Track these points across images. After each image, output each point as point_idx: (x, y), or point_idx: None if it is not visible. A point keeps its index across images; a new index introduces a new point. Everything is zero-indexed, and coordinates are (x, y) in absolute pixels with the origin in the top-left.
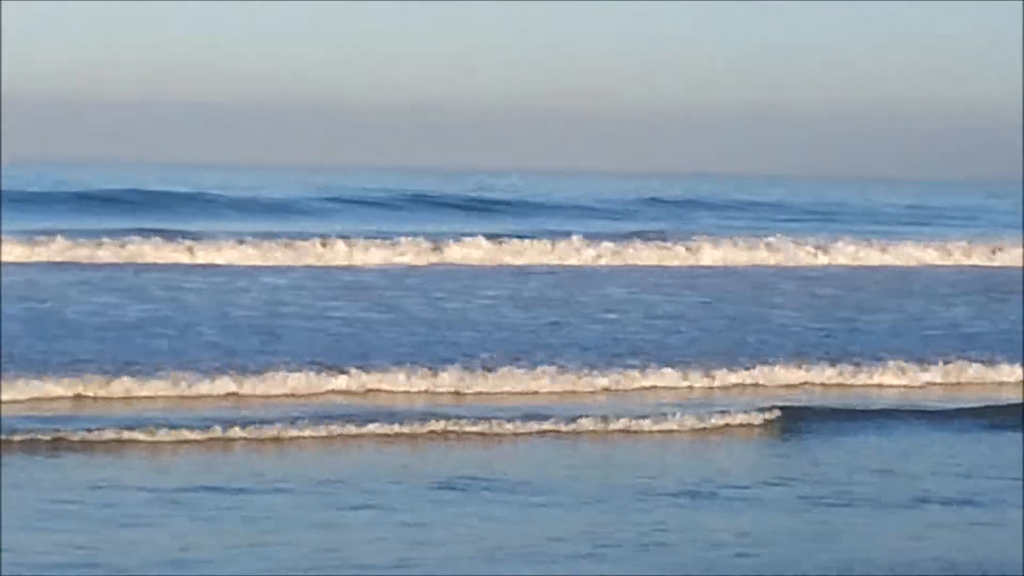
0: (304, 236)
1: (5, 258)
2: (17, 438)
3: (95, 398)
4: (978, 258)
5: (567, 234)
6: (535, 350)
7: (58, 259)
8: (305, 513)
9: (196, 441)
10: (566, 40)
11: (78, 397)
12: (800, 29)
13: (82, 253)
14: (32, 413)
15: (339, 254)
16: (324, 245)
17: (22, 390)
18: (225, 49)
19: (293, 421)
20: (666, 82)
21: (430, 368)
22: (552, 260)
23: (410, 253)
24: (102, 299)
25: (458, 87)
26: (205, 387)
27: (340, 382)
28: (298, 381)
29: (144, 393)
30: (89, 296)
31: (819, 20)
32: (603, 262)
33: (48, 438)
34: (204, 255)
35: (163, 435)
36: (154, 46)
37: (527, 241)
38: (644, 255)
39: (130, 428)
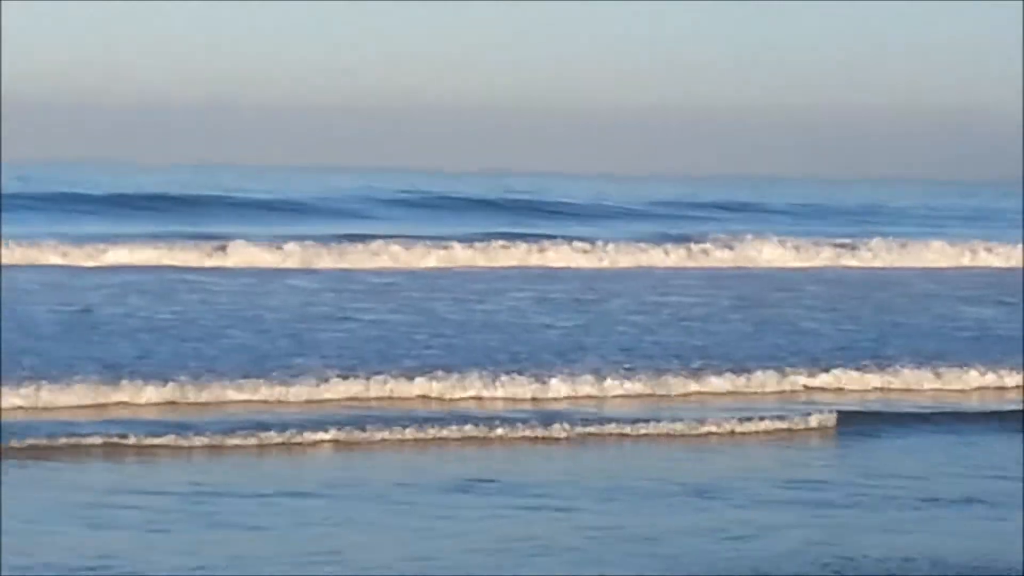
0: (339, 239)
1: (42, 261)
2: (63, 442)
3: (132, 404)
4: (1013, 259)
5: (608, 237)
6: (576, 353)
7: (90, 263)
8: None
9: (228, 446)
10: (565, 41)
11: (121, 403)
12: (798, 29)
13: (117, 256)
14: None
15: (373, 256)
16: (358, 247)
17: (73, 394)
18: (229, 50)
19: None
20: (661, 84)
21: (492, 372)
22: (589, 262)
23: (451, 254)
24: (141, 303)
25: (452, 87)
26: (233, 393)
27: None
28: (335, 385)
29: (193, 399)
30: (126, 299)
31: (820, 21)
32: (641, 263)
33: (100, 442)
34: (238, 258)
35: (198, 440)
36: (152, 47)
37: (566, 244)
38: (674, 257)
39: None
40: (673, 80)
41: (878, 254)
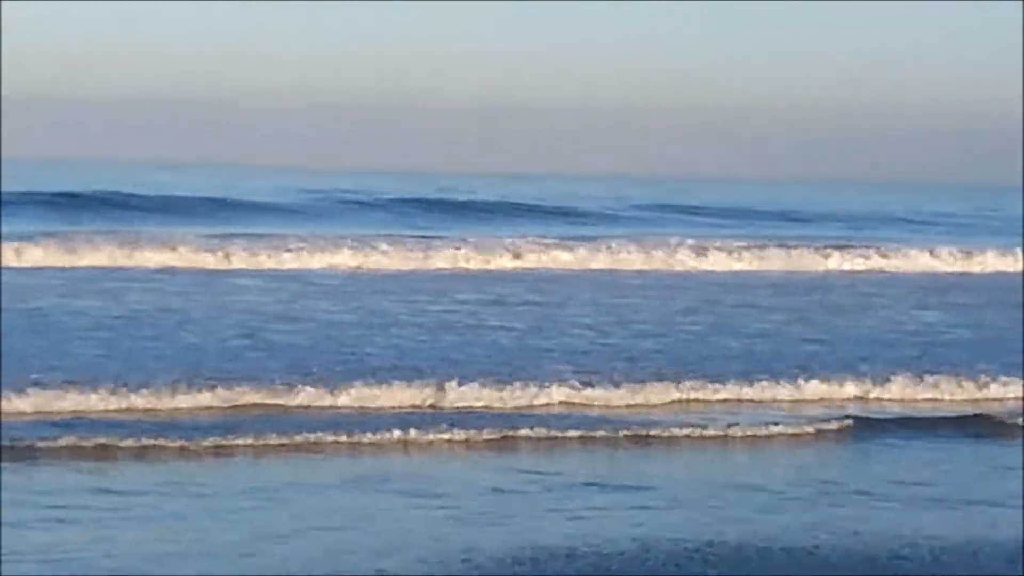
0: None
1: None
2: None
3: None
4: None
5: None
6: (607, 358)
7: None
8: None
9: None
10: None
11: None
12: (792, 30)
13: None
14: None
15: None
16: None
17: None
18: (220, 47)
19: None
20: (631, 83)
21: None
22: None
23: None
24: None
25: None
26: (187, 399)
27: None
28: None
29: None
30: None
31: (814, 22)
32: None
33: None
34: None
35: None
36: (130, 42)
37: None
38: (662, 261)
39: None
40: (643, 82)
41: (901, 258)
